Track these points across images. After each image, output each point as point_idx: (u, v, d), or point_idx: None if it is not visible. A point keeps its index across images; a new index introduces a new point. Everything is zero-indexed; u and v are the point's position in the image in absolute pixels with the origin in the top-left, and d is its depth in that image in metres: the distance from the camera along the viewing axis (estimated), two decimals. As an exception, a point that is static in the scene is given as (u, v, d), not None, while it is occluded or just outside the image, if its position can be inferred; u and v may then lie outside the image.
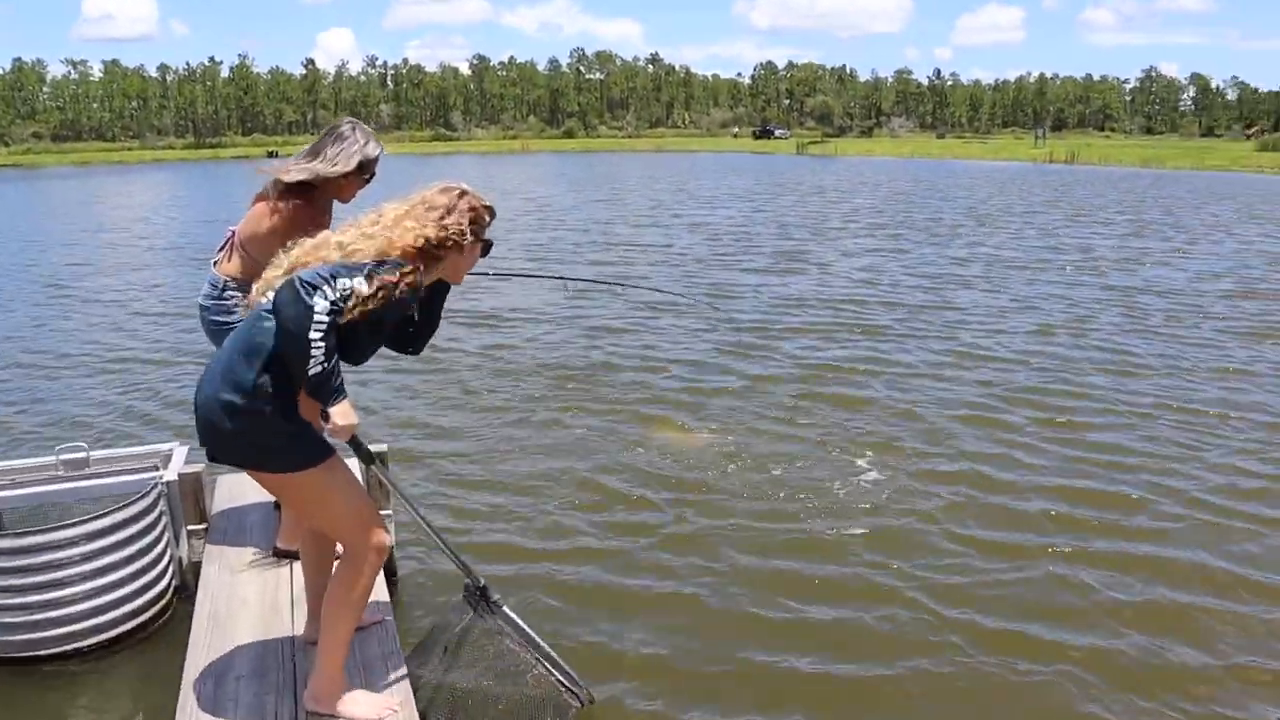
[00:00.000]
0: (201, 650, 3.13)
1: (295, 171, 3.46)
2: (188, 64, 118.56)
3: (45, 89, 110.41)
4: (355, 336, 2.60)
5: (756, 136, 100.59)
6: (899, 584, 4.41)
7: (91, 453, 4.31)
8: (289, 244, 2.75)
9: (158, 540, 3.98)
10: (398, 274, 2.57)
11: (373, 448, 2.93)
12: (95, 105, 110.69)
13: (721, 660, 3.83)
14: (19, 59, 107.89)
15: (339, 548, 2.88)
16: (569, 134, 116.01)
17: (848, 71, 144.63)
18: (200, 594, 3.56)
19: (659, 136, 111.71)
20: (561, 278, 5.28)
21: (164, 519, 4.07)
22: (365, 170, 3.57)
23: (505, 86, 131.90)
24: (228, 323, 3.46)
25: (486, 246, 2.87)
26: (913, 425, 6.67)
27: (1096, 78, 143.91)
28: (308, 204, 3.49)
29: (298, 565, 3.42)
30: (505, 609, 3.12)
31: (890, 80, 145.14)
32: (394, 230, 2.64)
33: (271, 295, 2.54)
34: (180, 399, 7.40)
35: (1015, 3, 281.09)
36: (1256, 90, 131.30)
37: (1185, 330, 9.77)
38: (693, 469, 5.85)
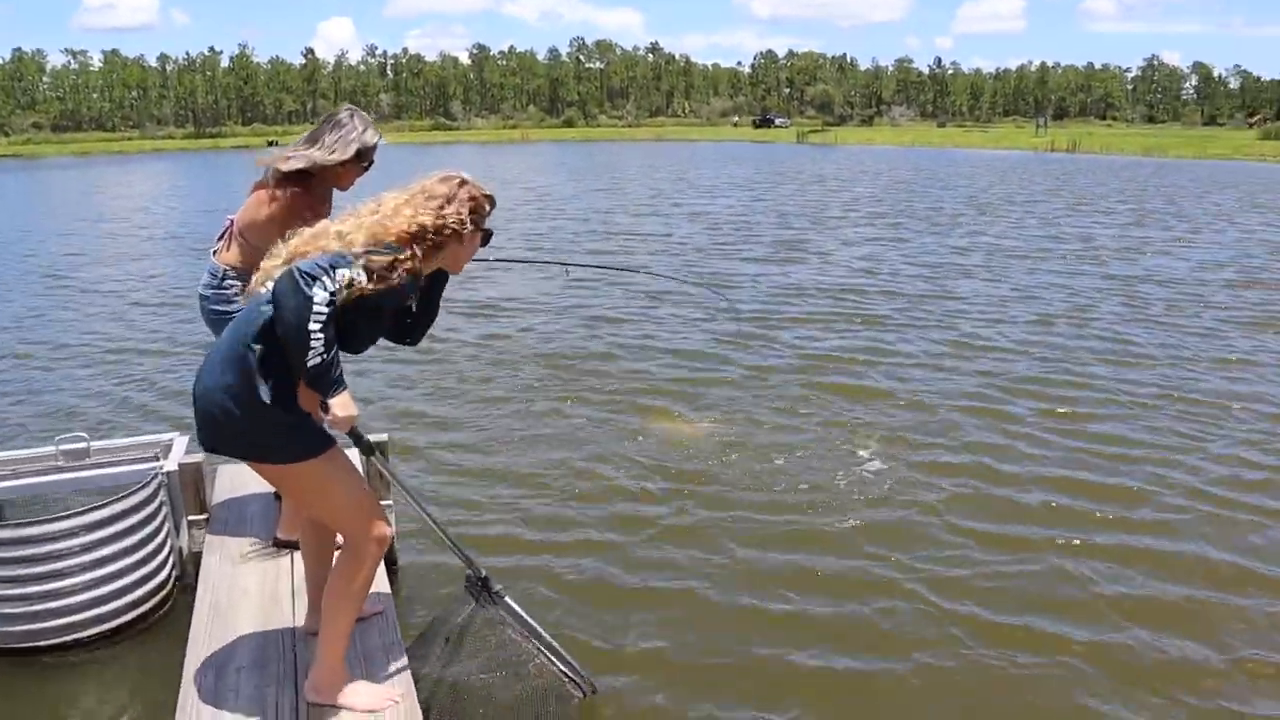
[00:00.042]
0: (202, 641, 3.13)
1: (293, 159, 3.44)
2: (188, 54, 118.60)
3: (45, 79, 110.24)
4: (354, 326, 2.59)
5: (757, 125, 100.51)
6: (900, 576, 4.39)
7: (92, 443, 4.30)
8: (288, 232, 2.73)
9: (158, 531, 3.98)
10: (392, 258, 2.55)
11: (372, 438, 2.92)
12: (95, 95, 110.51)
13: (722, 653, 3.81)
14: (19, 49, 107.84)
15: (339, 538, 2.87)
16: (569, 123, 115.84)
17: (848, 60, 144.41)
18: (201, 584, 3.56)
19: (659, 125, 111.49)
20: (563, 263, 5.26)
21: (164, 509, 4.07)
22: (363, 158, 3.54)
23: (505, 76, 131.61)
24: (227, 312, 3.44)
25: (486, 236, 2.86)
26: (913, 416, 6.66)
27: (1098, 66, 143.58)
28: (306, 192, 3.47)
29: (298, 556, 3.41)
30: (507, 599, 3.11)
31: (891, 69, 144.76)
32: (393, 220, 2.62)
33: (270, 285, 2.53)
34: (177, 390, 7.39)
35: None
36: (1259, 79, 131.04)
37: (1187, 320, 9.74)
38: (693, 460, 5.84)
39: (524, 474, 5.66)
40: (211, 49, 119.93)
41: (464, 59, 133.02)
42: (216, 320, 3.53)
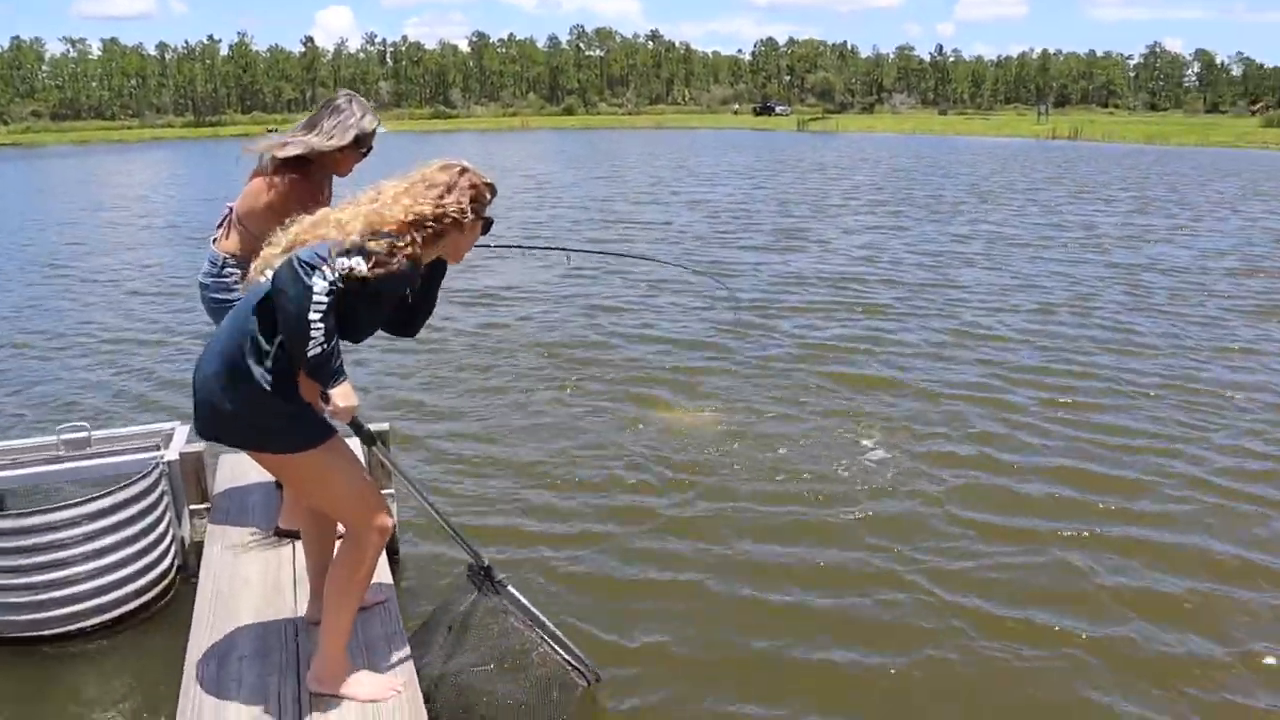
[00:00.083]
0: (204, 630, 3.13)
1: (291, 145, 3.41)
2: (186, 42, 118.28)
3: (44, 67, 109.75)
4: (355, 314, 2.57)
5: (757, 113, 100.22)
6: (901, 568, 4.38)
7: (93, 432, 4.30)
8: (287, 220, 2.72)
9: (160, 520, 3.98)
10: (391, 244, 2.53)
11: (373, 428, 2.91)
12: (94, 84, 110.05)
13: (723, 645, 3.81)
14: (17, 37, 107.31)
15: (340, 527, 2.87)
16: (569, 111, 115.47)
17: (849, 47, 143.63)
18: (202, 574, 3.55)
19: (659, 113, 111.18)
20: (564, 249, 5.24)
21: (165, 498, 4.07)
22: (362, 144, 3.51)
23: (505, 64, 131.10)
24: (228, 300, 3.42)
25: (487, 224, 2.83)
26: (915, 405, 6.65)
27: (1100, 53, 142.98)
28: (304, 178, 3.45)
29: (300, 545, 3.40)
30: (510, 588, 3.11)
31: (892, 56, 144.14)
32: (393, 208, 2.61)
33: (270, 274, 2.51)
34: (174, 379, 7.40)
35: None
36: (1262, 66, 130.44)
37: (1190, 308, 9.73)
38: (693, 450, 5.82)
39: (523, 464, 5.65)
40: (210, 37, 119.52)
41: (463, 46, 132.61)
42: (217, 309, 3.52)
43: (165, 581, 4.03)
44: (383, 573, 3.42)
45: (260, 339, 2.49)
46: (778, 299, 10.29)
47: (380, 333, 2.91)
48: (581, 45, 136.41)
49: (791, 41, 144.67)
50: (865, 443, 5.92)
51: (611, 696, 3.45)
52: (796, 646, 3.78)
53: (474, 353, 8.19)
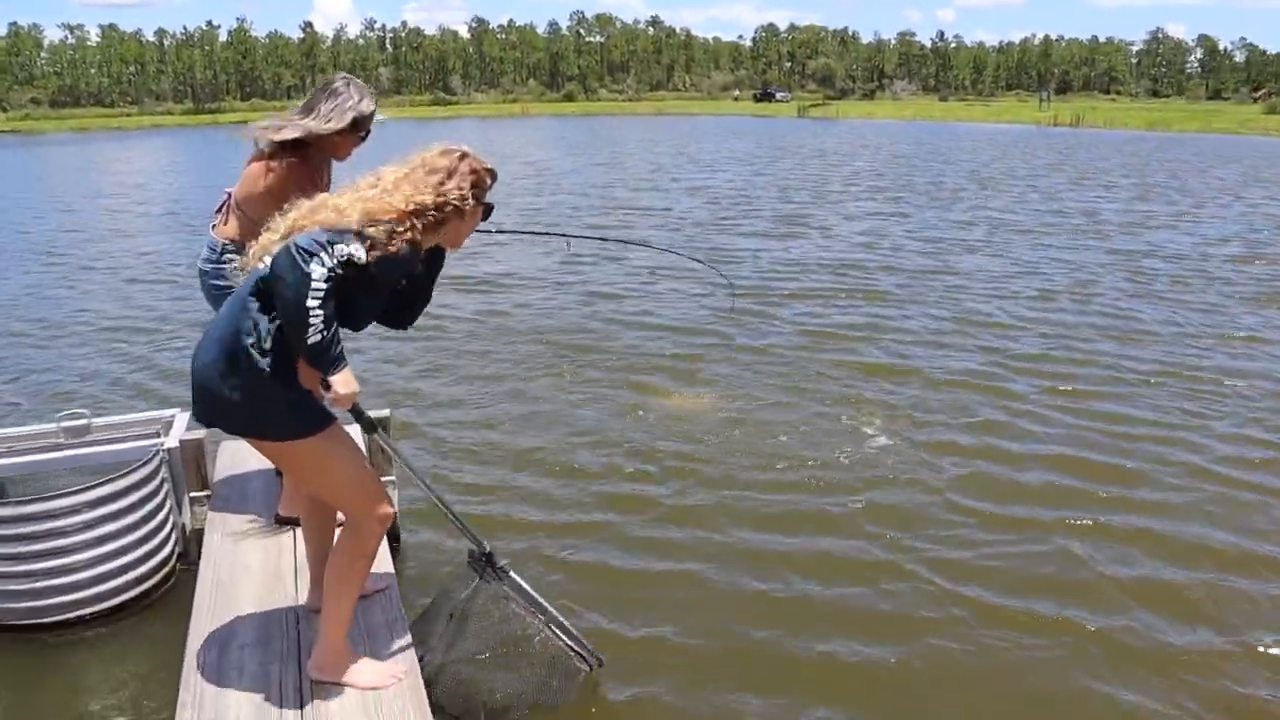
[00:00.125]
0: (205, 618, 3.13)
1: (288, 129, 3.38)
2: (185, 28, 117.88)
3: (43, 54, 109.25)
4: (354, 301, 2.56)
5: (757, 99, 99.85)
6: (902, 557, 4.36)
7: (93, 420, 4.28)
8: (286, 205, 2.69)
9: (160, 507, 3.97)
10: (390, 229, 2.51)
11: (374, 415, 2.90)
12: (93, 71, 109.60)
13: (723, 635, 3.78)
14: (15, 24, 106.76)
15: (340, 515, 2.86)
16: (569, 97, 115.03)
17: (849, 33, 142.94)
18: (203, 561, 3.55)
19: (659, 100, 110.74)
20: (564, 235, 5.22)
21: (166, 486, 4.06)
22: (360, 127, 3.48)
23: (505, 50, 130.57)
24: (227, 287, 3.39)
25: (487, 210, 2.82)
26: (916, 393, 6.63)
27: (1102, 39, 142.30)
28: (303, 162, 3.42)
29: (300, 532, 3.40)
30: (512, 574, 3.10)
31: (892, 42, 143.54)
32: (393, 195, 2.59)
33: (268, 260, 2.49)
34: (171, 368, 7.37)
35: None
36: (1265, 52, 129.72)
37: (1192, 295, 9.71)
38: (694, 438, 5.80)
39: (522, 452, 5.63)
40: (209, 23, 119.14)
41: (463, 32, 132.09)
42: (216, 295, 3.50)
43: (166, 569, 4.02)
44: (383, 560, 3.42)
45: (259, 326, 2.48)
46: (778, 285, 10.26)
47: (376, 323, 2.89)
48: (582, 31, 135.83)
49: (792, 27, 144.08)
50: (866, 430, 5.91)
51: (611, 686, 3.44)
52: (797, 636, 3.77)
53: (472, 340, 8.17)
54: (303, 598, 3.22)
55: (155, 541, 3.93)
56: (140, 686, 3.47)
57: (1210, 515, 4.78)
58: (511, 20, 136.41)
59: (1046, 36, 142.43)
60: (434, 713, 2.74)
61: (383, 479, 3.42)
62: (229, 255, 3.51)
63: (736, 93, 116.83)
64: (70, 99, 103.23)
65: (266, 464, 4.08)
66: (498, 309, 9.33)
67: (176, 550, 4.15)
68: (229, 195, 3.60)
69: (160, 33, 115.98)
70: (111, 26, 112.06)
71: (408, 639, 3.02)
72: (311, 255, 2.36)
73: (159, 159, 36.64)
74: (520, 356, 7.65)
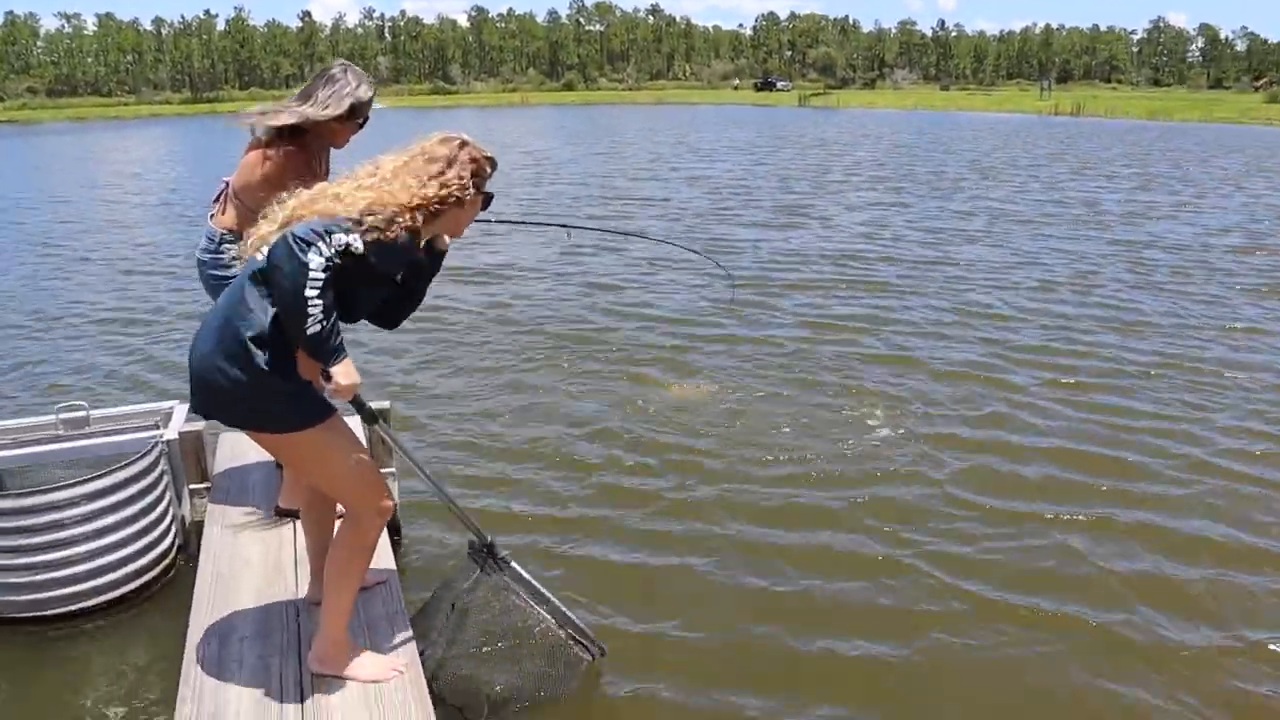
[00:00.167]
0: (205, 611, 3.12)
1: (284, 114, 3.35)
2: (183, 17, 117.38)
3: (39, 43, 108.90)
4: (353, 293, 2.54)
5: (758, 89, 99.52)
6: (902, 552, 4.33)
7: (91, 412, 4.27)
8: (284, 193, 2.67)
9: (159, 499, 3.96)
10: (388, 220, 2.49)
11: (374, 406, 2.88)
12: (90, 60, 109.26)
13: (723, 631, 3.75)
14: (11, 12, 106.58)
15: (340, 507, 2.85)
16: (569, 87, 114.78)
17: (850, 22, 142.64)
18: (203, 554, 3.54)
19: (659, 89, 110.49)
20: (564, 225, 5.19)
21: (165, 478, 4.05)
22: (358, 114, 3.45)
23: (504, 39, 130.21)
24: (225, 277, 3.38)
25: (487, 199, 2.80)
26: (916, 385, 6.61)
27: (1103, 28, 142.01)
28: (300, 150, 3.40)
29: (301, 525, 3.39)
30: (513, 564, 3.09)
31: (893, 31, 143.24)
32: (392, 184, 2.56)
33: (266, 251, 2.47)
34: (167, 360, 7.35)
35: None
36: (1267, 41, 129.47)
37: (1193, 286, 9.68)
38: (694, 430, 5.78)
39: (521, 445, 5.60)
40: (207, 12, 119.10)
41: (462, 21, 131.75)
42: (215, 285, 3.48)
43: (165, 561, 4.01)
44: (384, 552, 3.41)
45: (257, 317, 2.46)
46: (778, 276, 10.23)
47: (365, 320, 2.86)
48: (581, 20, 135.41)
49: (793, 16, 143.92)
50: (867, 422, 5.89)
51: (612, 681, 3.43)
52: (797, 631, 3.75)
53: (471, 331, 8.15)
54: (303, 590, 3.22)
55: (155, 534, 3.92)
56: (140, 679, 3.47)
57: (1211, 509, 4.76)
58: (511, 9, 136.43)
59: (1047, 25, 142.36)
60: (436, 705, 2.74)
61: (383, 471, 3.41)
62: (227, 245, 3.49)
63: (737, 82, 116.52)
64: (67, 88, 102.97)
65: (266, 456, 4.06)
66: (497, 300, 9.29)
67: (176, 543, 4.14)
68: (227, 184, 3.58)
69: (158, 21, 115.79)
70: (108, 15, 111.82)
71: (409, 632, 3.01)
72: (309, 245, 2.33)
73: (157, 148, 36.55)
74: (519, 347, 7.63)
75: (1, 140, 44.73)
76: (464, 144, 2.68)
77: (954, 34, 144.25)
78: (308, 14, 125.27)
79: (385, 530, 3.04)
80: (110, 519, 3.70)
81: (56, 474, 3.94)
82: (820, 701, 3.36)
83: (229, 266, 3.43)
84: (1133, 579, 4.12)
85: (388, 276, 2.67)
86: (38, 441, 4.10)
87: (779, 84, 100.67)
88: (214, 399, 2.55)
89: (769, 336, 7.86)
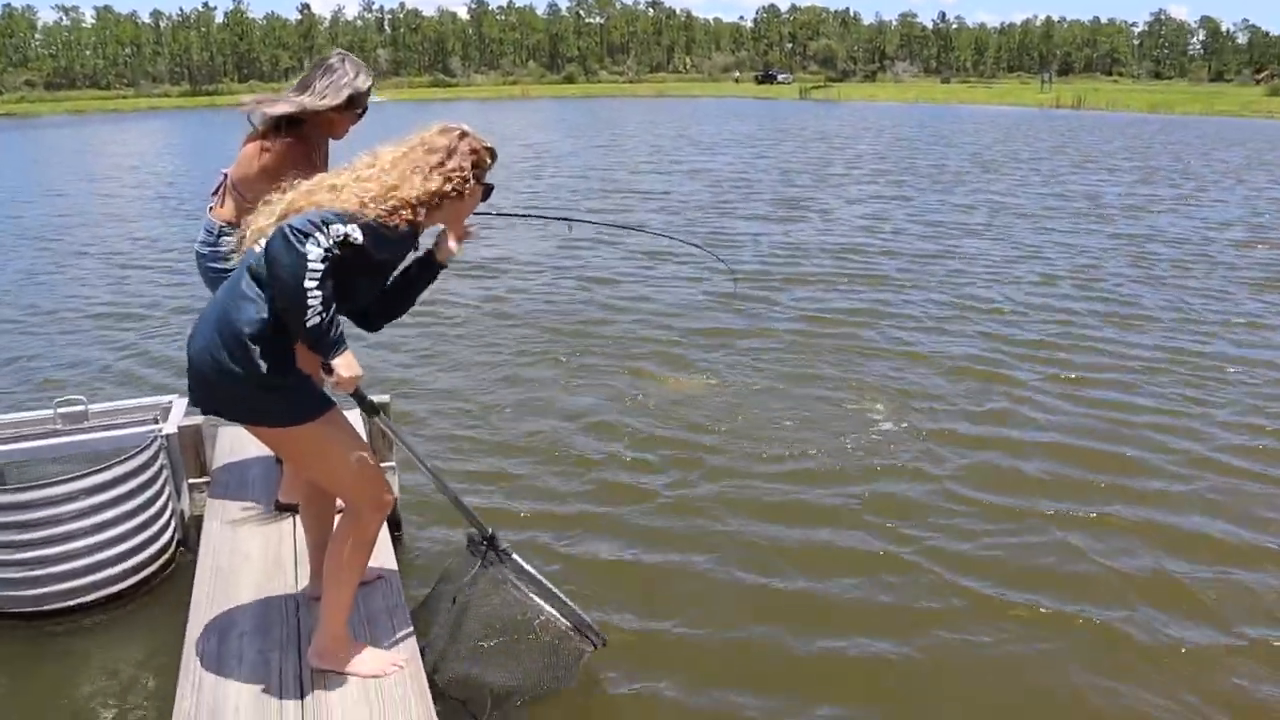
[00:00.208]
0: (204, 606, 3.11)
1: (282, 104, 3.33)
2: (181, 9, 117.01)
3: (37, 36, 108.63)
4: (353, 285, 2.52)
5: (759, 81, 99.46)
6: (902, 549, 4.31)
7: (90, 406, 4.25)
8: (282, 184, 2.65)
9: (159, 494, 3.95)
10: (389, 211, 2.47)
11: (374, 399, 2.86)
12: (88, 53, 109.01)
13: (724, 630, 3.73)
14: (9, 5, 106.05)
15: (339, 502, 2.83)
16: (569, 79, 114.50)
17: (851, 15, 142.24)
18: (202, 549, 3.52)
19: (660, 81, 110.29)
20: (564, 219, 5.16)
21: (164, 472, 4.04)
22: (356, 104, 3.42)
23: (504, 31, 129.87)
24: (225, 270, 3.35)
25: (487, 190, 2.77)
26: (916, 380, 6.59)
27: (1104, 21, 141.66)
28: (299, 140, 3.37)
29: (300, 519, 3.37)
30: (514, 556, 3.07)
31: (894, 23, 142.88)
32: (391, 174, 2.54)
33: (264, 243, 2.45)
34: (162, 355, 7.33)
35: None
36: (1268, 34, 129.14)
37: (1195, 280, 9.66)
38: (694, 425, 5.76)
39: (519, 440, 5.57)
40: (205, 4, 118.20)
41: (462, 14, 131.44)
42: (214, 278, 3.46)
43: (165, 556, 4.01)
44: (384, 547, 3.40)
45: (255, 310, 2.44)
46: (779, 270, 10.21)
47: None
48: (581, 12, 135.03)
49: (794, 8, 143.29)
50: (867, 417, 5.88)
51: (612, 679, 3.42)
52: (797, 629, 3.73)
53: (468, 325, 8.12)
54: (303, 585, 3.21)
55: (154, 529, 3.91)
56: (139, 674, 3.46)
57: (1212, 505, 4.73)
58: (511, 1, 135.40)
59: (1048, 18, 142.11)
60: (438, 699, 2.73)
61: (383, 465, 3.40)
62: (226, 237, 3.47)
63: (737, 74, 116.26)
64: (65, 81, 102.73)
65: (266, 450, 4.05)
66: (494, 293, 9.26)
67: (176, 537, 4.13)
68: (225, 177, 3.56)
69: (156, 14, 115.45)
70: (106, 8, 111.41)
71: (409, 626, 3.00)
72: (306, 236, 2.31)
73: (155, 141, 36.48)
74: (517, 342, 7.60)
75: (0, 133, 44.63)
76: (464, 134, 2.66)
77: (955, 26, 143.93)
78: (307, 6, 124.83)
79: (385, 525, 3.03)
80: (109, 514, 3.69)
81: (55, 469, 3.92)
82: (820, 700, 3.34)
83: (227, 259, 3.40)
84: (1133, 576, 4.10)
85: (388, 267, 2.65)
86: (36, 436, 4.09)
87: (780, 76, 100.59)
88: (212, 393, 2.53)
89: (769, 330, 7.84)
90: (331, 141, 3.58)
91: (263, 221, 2.56)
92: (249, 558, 3.44)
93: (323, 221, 2.35)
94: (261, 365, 2.44)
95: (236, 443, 4.37)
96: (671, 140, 30.29)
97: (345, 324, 2.54)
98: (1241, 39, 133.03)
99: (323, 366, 2.47)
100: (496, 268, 10.44)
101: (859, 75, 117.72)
